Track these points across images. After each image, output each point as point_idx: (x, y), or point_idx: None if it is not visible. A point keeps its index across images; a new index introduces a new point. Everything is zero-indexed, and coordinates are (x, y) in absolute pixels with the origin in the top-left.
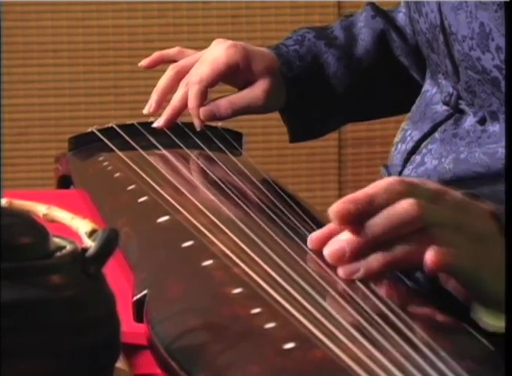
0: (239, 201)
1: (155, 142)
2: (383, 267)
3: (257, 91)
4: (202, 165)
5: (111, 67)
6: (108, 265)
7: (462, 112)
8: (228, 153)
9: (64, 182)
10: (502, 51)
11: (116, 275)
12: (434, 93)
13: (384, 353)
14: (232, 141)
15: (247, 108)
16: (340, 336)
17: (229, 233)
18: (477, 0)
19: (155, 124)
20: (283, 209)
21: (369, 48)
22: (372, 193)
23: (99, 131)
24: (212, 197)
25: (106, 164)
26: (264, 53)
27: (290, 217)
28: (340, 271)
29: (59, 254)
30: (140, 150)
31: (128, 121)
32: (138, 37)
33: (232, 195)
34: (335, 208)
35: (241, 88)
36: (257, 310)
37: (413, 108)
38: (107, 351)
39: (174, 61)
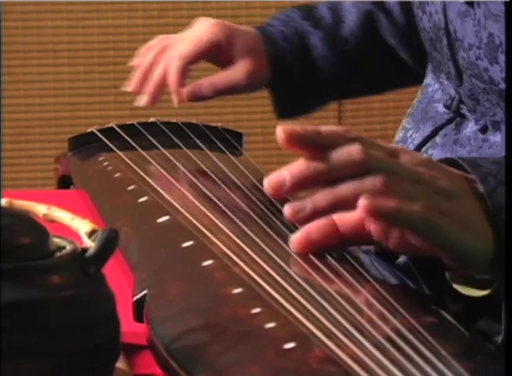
0: (239, 201)
1: (155, 143)
2: (328, 205)
3: (239, 71)
4: (202, 165)
5: (111, 67)
6: (108, 265)
7: (463, 117)
8: (229, 153)
9: (64, 182)
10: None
11: (116, 275)
12: (435, 89)
13: (384, 353)
14: (232, 141)
15: (230, 88)
16: (341, 336)
17: (229, 233)
18: None
19: (136, 103)
20: (282, 209)
21: (356, 29)
22: (323, 131)
23: (99, 131)
24: (212, 197)
25: (106, 164)
26: (248, 33)
27: None
28: (287, 210)
29: (59, 254)
30: (140, 150)
31: (128, 121)
32: (138, 37)
33: (232, 195)
34: (284, 128)
35: (224, 67)
36: (257, 310)
37: (415, 103)
38: (107, 351)
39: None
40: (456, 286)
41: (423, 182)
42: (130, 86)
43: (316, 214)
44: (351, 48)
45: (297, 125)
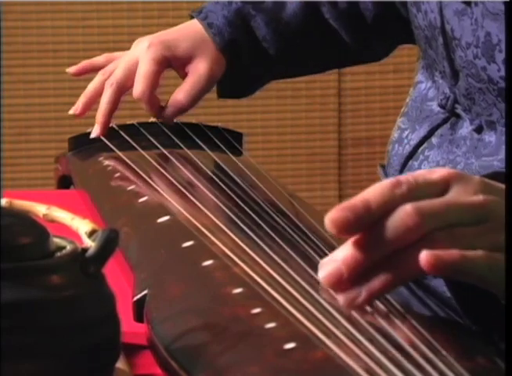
0: (239, 201)
1: (155, 143)
2: (386, 288)
3: (198, 72)
4: (202, 165)
5: None
6: (108, 265)
7: (458, 116)
8: (229, 153)
9: (64, 182)
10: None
11: (116, 275)
12: (428, 87)
13: (384, 353)
14: (232, 141)
15: (201, 90)
16: (341, 336)
17: (229, 233)
18: None
19: (93, 135)
20: (283, 209)
21: (298, 11)
22: (369, 199)
23: None
24: (212, 197)
25: (106, 164)
26: (187, 31)
27: (291, 216)
28: (341, 300)
29: (59, 254)
30: (140, 150)
31: (128, 121)
32: (138, 37)
33: (233, 195)
34: (332, 216)
35: (183, 74)
36: (257, 310)
37: (408, 101)
38: (107, 351)
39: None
40: None
41: (482, 220)
42: (75, 110)
43: (373, 299)
44: (294, 30)
45: (346, 207)
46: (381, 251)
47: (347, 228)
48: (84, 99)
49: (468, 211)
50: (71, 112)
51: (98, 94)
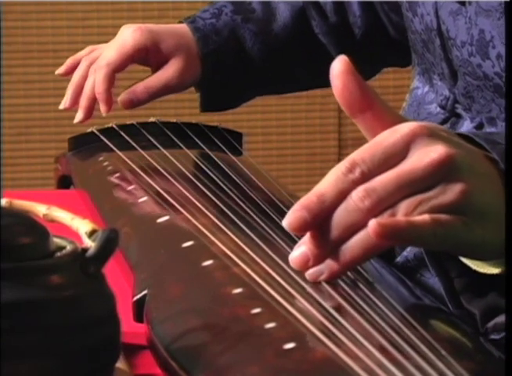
0: (239, 201)
1: (155, 143)
2: (344, 268)
3: (170, 71)
4: (202, 165)
5: None
6: (108, 265)
7: (458, 116)
8: (229, 153)
9: (64, 182)
10: (502, 59)
11: (116, 275)
12: (426, 92)
13: (384, 353)
14: (232, 141)
15: (164, 89)
16: (341, 336)
17: (229, 233)
18: (479, 0)
19: (76, 120)
20: (283, 208)
21: (288, 24)
22: (323, 192)
23: (99, 131)
24: (212, 197)
25: (106, 164)
26: (175, 31)
27: None
28: (306, 275)
29: (59, 254)
30: (140, 150)
31: (128, 121)
32: None
33: (232, 195)
34: (289, 221)
35: (155, 69)
36: (257, 310)
37: (405, 107)
38: (107, 351)
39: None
40: (465, 261)
41: (440, 179)
42: (64, 104)
43: (335, 276)
44: (282, 43)
45: (301, 204)
46: (339, 238)
47: (305, 228)
48: (72, 90)
49: (422, 179)
50: (61, 107)
51: (84, 81)
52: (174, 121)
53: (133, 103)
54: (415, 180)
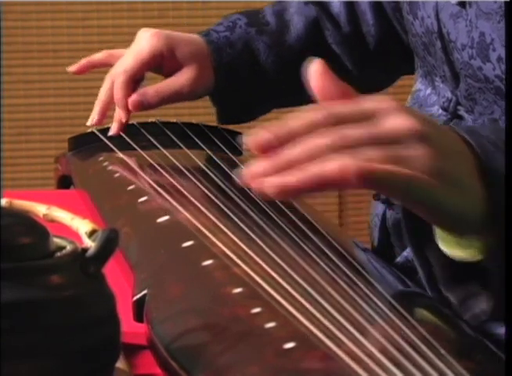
0: (239, 201)
1: (155, 143)
2: (290, 187)
3: (182, 78)
4: (202, 165)
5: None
6: (108, 265)
7: (460, 118)
8: (229, 153)
9: (64, 182)
10: (503, 62)
11: (116, 275)
12: (428, 94)
13: (384, 353)
14: (233, 141)
15: (174, 96)
16: (341, 336)
17: (229, 233)
18: (480, 5)
19: (89, 123)
20: (283, 208)
21: (302, 35)
22: (294, 129)
23: (99, 131)
24: (212, 197)
25: (106, 164)
26: (191, 40)
27: (291, 216)
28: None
29: (59, 254)
30: (140, 150)
31: (128, 121)
32: None
33: (232, 195)
34: (256, 138)
35: (167, 75)
36: (257, 310)
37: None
38: (107, 351)
39: (105, 64)
40: (442, 246)
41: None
42: (92, 120)
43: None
44: (296, 54)
45: (270, 132)
46: (297, 162)
47: (267, 149)
48: (99, 107)
49: (393, 137)
50: (89, 123)
51: (111, 98)
52: (174, 121)
53: (143, 105)
54: (385, 135)
